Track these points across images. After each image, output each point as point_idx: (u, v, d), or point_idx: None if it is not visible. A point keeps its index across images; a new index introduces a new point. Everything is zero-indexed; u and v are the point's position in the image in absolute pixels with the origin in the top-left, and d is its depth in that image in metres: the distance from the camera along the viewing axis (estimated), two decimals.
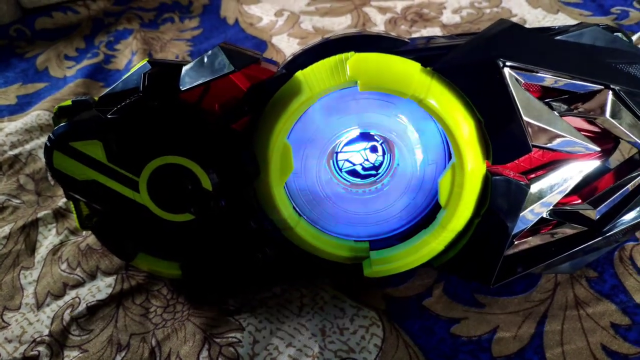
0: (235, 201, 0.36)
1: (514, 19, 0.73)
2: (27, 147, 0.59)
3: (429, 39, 0.37)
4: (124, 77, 0.36)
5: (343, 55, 0.32)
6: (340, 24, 0.77)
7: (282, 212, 0.37)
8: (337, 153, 0.38)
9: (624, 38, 0.35)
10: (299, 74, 0.33)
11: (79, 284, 0.43)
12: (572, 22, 0.71)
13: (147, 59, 0.35)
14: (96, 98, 0.38)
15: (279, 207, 0.36)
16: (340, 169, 0.39)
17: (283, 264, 0.40)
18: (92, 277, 0.44)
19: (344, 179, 0.39)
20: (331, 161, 0.38)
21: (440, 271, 0.39)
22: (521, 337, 0.37)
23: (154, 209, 0.36)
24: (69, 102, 0.37)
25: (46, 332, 0.40)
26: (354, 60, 0.32)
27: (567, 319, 0.37)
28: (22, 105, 0.67)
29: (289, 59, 0.36)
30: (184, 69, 0.34)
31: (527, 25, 0.70)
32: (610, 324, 0.37)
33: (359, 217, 0.39)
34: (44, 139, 0.60)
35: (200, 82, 0.33)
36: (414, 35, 0.72)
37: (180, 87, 0.34)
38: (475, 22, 0.74)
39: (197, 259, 0.39)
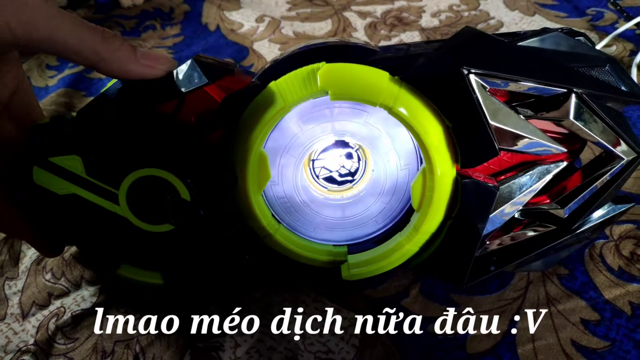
0: (214, 210, 0.37)
1: (492, 22, 0.74)
2: None
3: (399, 47, 0.38)
4: (101, 91, 0.37)
5: (314, 66, 0.33)
6: (321, 29, 0.78)
7: (260, 220, 0.37)
8: (313, 160, 0.39)
9: (587, 42, 0.36)
10: (272, 84, 0.34)
11: (64, 294, 0.44)
12: (549, 23, 0.72)
13: None
14: (74, 114, 0.38)
15: (257, 215, 0.37)
16: (317, 176, 0.40)
17: (263, 270, 0.41)
18: (77, 286, 0.44)
19: (321, 185, 0.40)
20: (308, 168, 0.39)
21: (416, 272, 0.40)
22: (494, 334, 0.38)
23: (134, 221, 0.37)
24: (46, 120, 0.38)
25: (31, 341, 0.41)
26: (324, 71, 0.33)
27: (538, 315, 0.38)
28: None
29: (262, 70, 0.37)
30: (160, 81, 0.35)
31: (504, 28, 0.72)
32: (580, 319, 0.38)
33: (336, 222, 0.39)
34: None
35: (175, 94, 0.34)
36: (394, 40, 0.73)
37: (156, 100, 0.34)
38: (454, 26, 0.75)
39: (179, 268, 0.40)
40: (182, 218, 0.36)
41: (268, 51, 0.74)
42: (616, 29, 0.64)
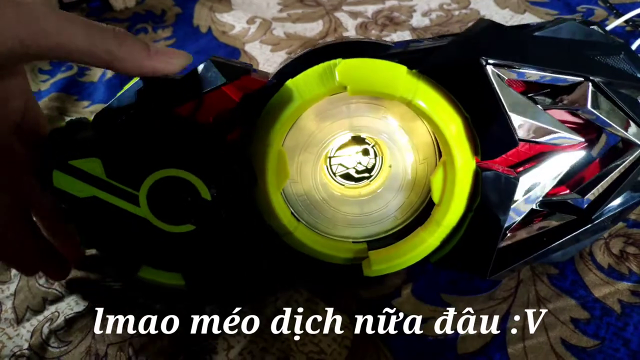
0: (234, 210, 0.37)
1: None
2: None
3: (412, 41, 0.38)
4: (117, 95, 0.37)
5: (331, 62, 0.33)
6: (312, 30, 0.78)
7: (280, 218, 0.37)
8: (330, 158, 0.39)
9: (600, 30, 0.36)
10: (289, 82, 0.34)
11: (58, 299, 0.44)
12: (539, 21, 0.72)
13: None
14: (90, 118, 0.38)
15: (277, 213, 0.37)
16: (334, 173, 0.40)
17: (283, 269, 0.41)
18: (71, 291, 0.44)
19: (338, 182, 0.40)
20: (325, 166, 0.39)
21: (438, 266, 0.40)
22: (484, 334, 0.38)
23: (154, 222, 0.37)
24: (63, 124, 0.38)
25: (26, 345, 0.41)
26: (342, 67, 0.33)
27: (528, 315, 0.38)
28: None
29: (278, 69, 0.37)
30: (176, 83, 0.35)
31: None
32: (570, 318, 0.38)
33: (356, 219, 0.40)
34: None
35: (193, 95, 0.34)
36: (385, 39, 0.73)
37: (174, 102, 0.35)
38: (445, 25, 0.75)
39: (200, 268, 0.40)
40: (202, 218, 0.36)
41: (260, 52, 0.74)
42: (606, 25, 0.64)
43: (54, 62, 0.77)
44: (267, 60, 0.72)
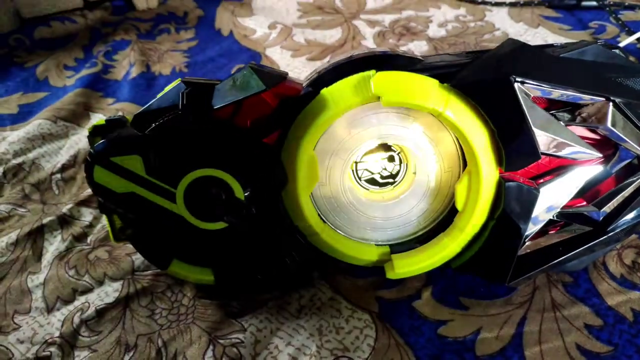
0: (265, 209, 0.39)
1: (497, 33, 0.77)
2: (30, 155, 0.61)
3: (441, 56, 0.40)
4: (158, 96, 0.39)
5: (366, 73, 0.35)
6: (331, 37, 0.80)
7: (308, 219, 0.39)
8: (356, 163, 0.41)
9: (622, 54, 0.38)
10: (325, 91, 0.36)
11: (88, 290, 0.46)
12: (553, 35, 0.74)
13: (180, 79, 0.38)
14: (129, 117, 0.40)
15: (305, 215, 0.39)
16: (360, 178, 0.42)
17: (309, 268, 0.43)
18: (100, 283, 0.46)
19: (363, 187, 0.42)
20: (351, 170, 0.41)
21: (459, 271, 0.42)
22: (502, 337, 0.39)
23: (189, 219, 0.38)
24: (102, 121, 0.40)
25: (57, 333, 0.42)
26: (377, 78, 0.34)
27: (544, 320, 0.40)
28: (24, 114, 0.69)
29: (314, 77, 0.39)
30: (217, 87, 0.37)
31: None
32: (584, 325, 0.39)
33: (380, 222, 0.41)
34: (46, 148, 0.62)
35: (233, 100, 0.36)
36: (402, 48, 0.75)
37: (214, 105, 0.36)
38: (461, 36, 0.77)
39: (229, 265, 0.41)
40: (236, 216, 0.38)
41: (280, 57, 0.76)
42: (618, 42, 0.66)
43: (79, 58, 0.79)
44: (288, 65, 0.73)
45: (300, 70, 0.72)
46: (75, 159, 0.60)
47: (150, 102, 0.39)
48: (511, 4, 0.82)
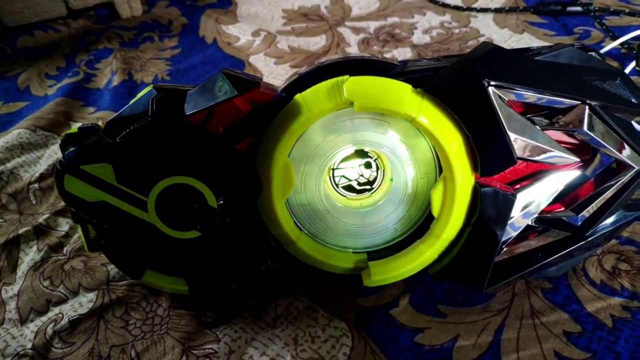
0: (239, 218, 0.38)
1: (482, 39, 0.76)
2: (9, 165, 0.60)
3: (416, 61, 0.39)
4: (130, 103, 0.38)
5: (339, 79, 0.35)
6: (315, 44, 0.79)
7: (284, 227, 0.38)
8: (333, 170, 0.41)
9: (598, 57, 0.38)
10: (298, 96, 0.35)
11: (62, 301, 0.45)
12: (537, 41, 0.74)
13: (152, 85, 0.37)
14: (102, 125, 0.39)
15: (281, 222, 0.38)
16: (337, 185, 0.41)
17: (285, 277, 0.42)
18: (75, 293, 0.45)
19: (340, 194, 0.41)
20: (328, 177, 0.40)
21: (436, 278, 0.41)
22: (480, 344, 0.39)
23: (161, 227, 0.38)
24: (75, 130, 0.39)
25: (29, 345, 0.41)
26: (350, 83, 0.34)
27: (523, 327, 0.39)
28: (4, 123, 0.68)
29: (287, 83, 0.38)
30: (189, 93, 0.36)
31: None
32: (563, 331, 0.39)
33: (356, 230, 0.41)
34: (25, 158, 0.61)
35: (205, 106, 0.35)
36: (386, 55, 0.75)
37: (186, 111, 0.36)
38: (445, 42, 0.77)
39: (203, 274, 0.41)
40: (208, 224, 0.37)
41: (264, 64, 0.76)
42: (602, 48, 0.66)
43: (61, 67, 0.78)
44: (271, 73, 0.73)
45: (283, 77, 0.72)
46: (54, 169, 0.59)
47: (122, 109, 0.38)
48: (496, 10, 0.82)
